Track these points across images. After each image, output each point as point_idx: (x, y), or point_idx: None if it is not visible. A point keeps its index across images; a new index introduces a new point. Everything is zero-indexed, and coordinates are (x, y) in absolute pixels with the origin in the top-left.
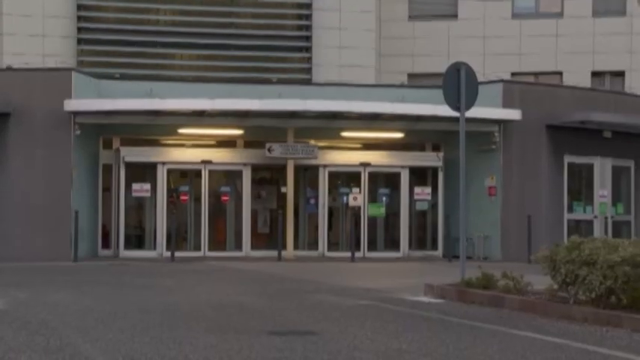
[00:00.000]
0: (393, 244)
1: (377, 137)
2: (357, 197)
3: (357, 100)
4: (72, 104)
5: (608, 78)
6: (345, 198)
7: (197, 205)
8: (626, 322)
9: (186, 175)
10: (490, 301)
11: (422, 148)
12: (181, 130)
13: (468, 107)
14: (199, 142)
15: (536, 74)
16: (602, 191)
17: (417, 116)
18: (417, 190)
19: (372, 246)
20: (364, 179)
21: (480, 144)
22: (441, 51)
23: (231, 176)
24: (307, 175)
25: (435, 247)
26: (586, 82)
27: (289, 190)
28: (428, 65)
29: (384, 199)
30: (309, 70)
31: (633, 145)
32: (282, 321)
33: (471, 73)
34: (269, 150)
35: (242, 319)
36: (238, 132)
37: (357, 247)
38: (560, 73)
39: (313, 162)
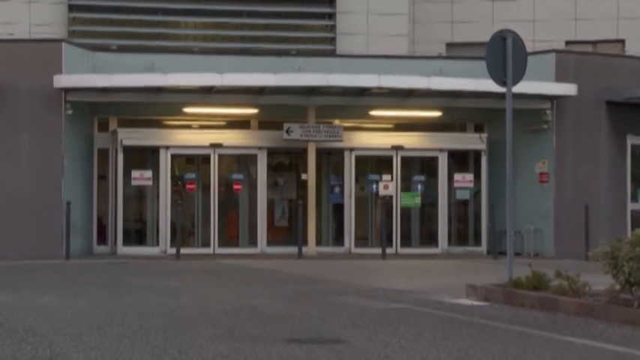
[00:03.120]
0: (429, 239)
1: (411, 116)
2: (389, 185)
3: (387, 73)
4: (62, 80)
5: None
6: (374, 186)
7: (205, 195)
8: None
9: (192, 161)
10: (542, 303)
11: (462, 129)
12: (187, 110)
13: (516, 81)
14: (207, 123)
15: (594, 43)
16: None
17: (457, 92)
18: (457, 176)
19: (406, 241)
20: (396, 164)
21: (530, 124)
22: (484, 17)
23: (244, 162)
24: (331, 160)
25: (478, 242)
26: None
27: (310, 177)
28: (469, 33)
29: (419, 187)
30: (332, 40)
31: None
32: (302, 327)
33: (518, 42)
34: (287, 131)
35: (257, 325)
36: (252, 111)
37: (389, 242)
38: (621, 42)
39: (338, 145)
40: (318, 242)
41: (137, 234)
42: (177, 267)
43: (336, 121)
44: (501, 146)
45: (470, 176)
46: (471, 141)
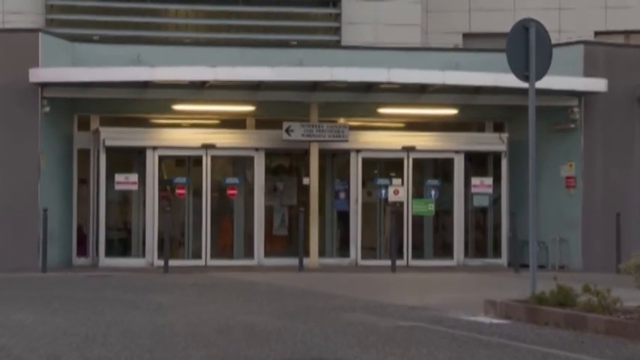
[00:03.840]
0: (444, 249)
1: (424, 114)
2: (399, 190)
3: (398, 67)
4: (39, 74)
5: None
6: (383, 192)
7: (197, 201)
8: None
9: (182, 164)
10: (568, 321)
11: (481, 128)
12: (176, 107)
13: (540, 76)
14: (199, 122)
15: (626, 33)
16: None
17: (475, 87)
18: (475, 181)
19: (418, 252)
20: (408, 168)
21: (555, 122)
22: (504, 5)
23: (239, 164)
24: (335, 162)
25: (497, 253)
26: None
27: (313, 181)
28: (488, 23)
29: (432, 192)
30: (337, 30)
31: None
32: (303, 347)
33: (542, 32)
34: (287, 131)
35: (253, 345)
36: (248, 108)
37: (399, 253)
38: None
39: (343, 146)
40: (321, 253)
41: (121, 244)
42: (165, 281)
43: (341, 120)
44: (524, 147)
45: (489, 180)
46: (490, 141)
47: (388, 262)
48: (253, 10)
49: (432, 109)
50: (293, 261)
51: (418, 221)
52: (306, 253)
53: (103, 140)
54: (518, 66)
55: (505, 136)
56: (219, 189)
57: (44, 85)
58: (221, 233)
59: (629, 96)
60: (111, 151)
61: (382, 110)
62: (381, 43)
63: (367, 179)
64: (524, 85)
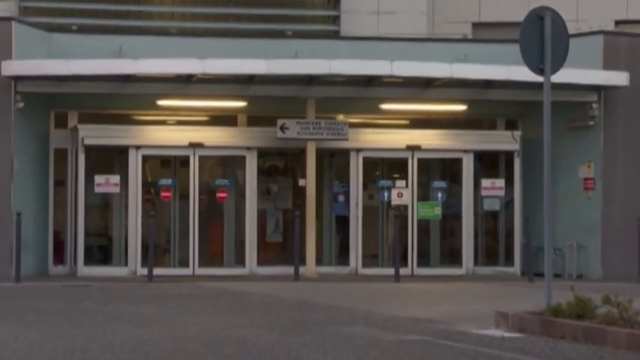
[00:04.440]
0: (452, 257)
1: (430, 111)
2: (403, 193)
3: (402, 59)
4: (12, 67)
5: None
6: (386, 194)
7: (183, 205)
8: None
9: (168, 164)
10: (586, 335)
11: (492, 126)
12: (162, 102)
13: (556, 69)
14: (186, 119)
15: None
16: None
17: (485, 81)
18: (485, 182)
19: (424, 260)
20: (412, 168)
21: (572, 119)
22: None
23: (229, 165)
24: (334, 162)
25: (510, 261)
26: None
27: (309, 183)
28: (499, 12)
29: (439, 195)
30: (336, 19)
31: None
32: None
33: (558, 21)
34: (282, 129)
35: None
36: (240, 104)
37: (403, 261)
38: None
39: (342, 145)
40: (319, 261)
41: (101, 251)
42: (149, 291)
43: (340, 117)
44: (538, 146)
45: (500, 182)
46: (501, 140)
47: (391, 271)
48: None
49: (438, 104)
50: (288, 270)
51: (424, 226)
52: (302, 262)
53: (82, 139)
54: (532, 58)
55: (518, 134)
56: (207, 191)
57: (18, 79)
58: (210, 239)
59: None
60: (90, 151)
61: (385, 106)
62: (383, 34)
63: (368, 181)
64: (539, 78)
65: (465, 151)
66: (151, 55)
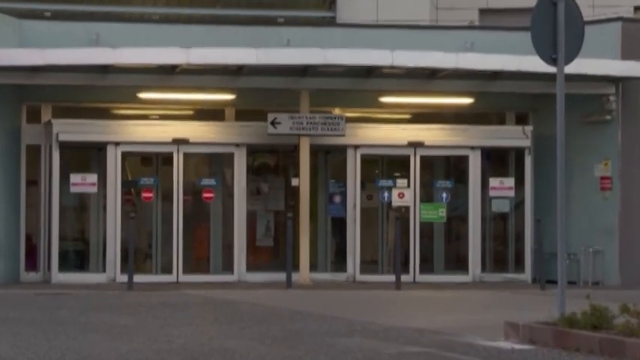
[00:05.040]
0: (457, 263)
1: (434, 104)
2: (405, 193)
3: (403, 48)
4: None
5: None
6: (386, 195)
7: (167, 206)
8: None
9: (150, 162)
10: (603, 347)
11: (500, 121)
12: (143, 95)
13: (570, 59)
14: (170, 113)
15: None
16: None
17: (494, 72)
18: (494, 182)
19: (427, 266)
20: (415, 166)
21: (588, 114)
22: None
23: (216, 163)
24: (330, 160)
25: (520, 267)
26: None
27: (303, 183)
28: None
29: (444, 196)
30: (332, 5)
31: None
32: None
33: (573, 7)
34: (273, 123)
35: None
36: (227, 97)
37: (405, 267)
38: None
39: (339, 141)
40: (313, 267)
41: (78, 257)
42: (129, 299)
43: (337, 111)
44: (551, 143)
45: (510, 182)
46: (511, 136)
47: (392, 278)
48: None
49: (443, 97)
50: (280, 276)
51: (427, 229)
52: (296, 268)
53: (57, 134)
54: (544, 47)
55: (529, 129)
56: (193, 192)
57: None
58: (195, 244)
59: None
60: (65, 147)
61: (385, 99)
62: (383, 21)
63: (367, 180)
64: (552, 69)
65: (472, 148)
66: (131, 43)
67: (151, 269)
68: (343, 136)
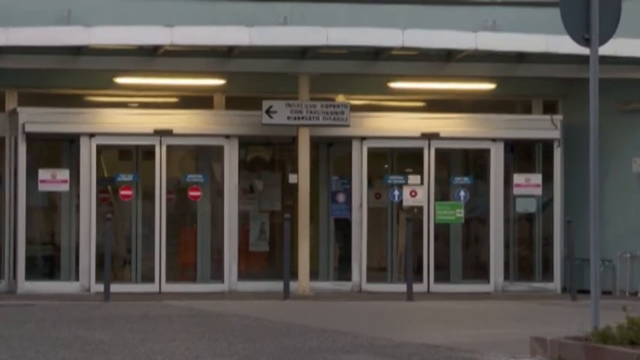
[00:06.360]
0: (477, 270)
1: (450, 90)
2: (417, 192)
3: (416, 27)
4: None
5: None
6: (396, 193)
7: (148, 206)
8: None
9: (129, 156)
10: None
11: (526, 109)
12: (121, 80)
13: (605, 39)
14: (151, 101)
15: None
16: None
17: (518, 54)
18: (518, 178)
19: (443, 274)
20: (429, 161)
21: (626, 101)
22: None
23: (204, 157)
24: (333, 154)
25: (548, 275)
26: None
27: (302, 179)
28: None
29: (461, 194)
30: None
31: None
32: None
33: None
34: (268, 112)
35: None
36: (217, 82)
37: (418, 275)
38: None
39: (343, 132)
40: (314, 276)
41: (47, 263)
42: (106, 311)
43: (340, 98)
44: (583, 134)
45: (537, 178)
46: (538, 126)
47: (403, 287)
48: None
49: (461, 82)
50: (276, 286)
51: (443, 232)
52: (294, 276)
53: (23, 125)
54: (575, 25)
55: (558, 118)
56: (177, 190)
57: None
58: (180, 249)
59: None
60: (33, 140)
61: (395, 85)
62: None
63: (375, 177)
64: (584, 51)
65: (494, 140)
66: (107, 22)
67: (130, 277)
68: (348, 126)
